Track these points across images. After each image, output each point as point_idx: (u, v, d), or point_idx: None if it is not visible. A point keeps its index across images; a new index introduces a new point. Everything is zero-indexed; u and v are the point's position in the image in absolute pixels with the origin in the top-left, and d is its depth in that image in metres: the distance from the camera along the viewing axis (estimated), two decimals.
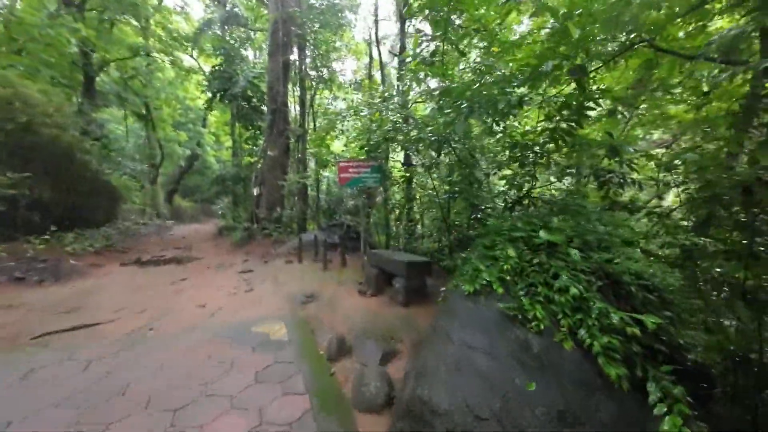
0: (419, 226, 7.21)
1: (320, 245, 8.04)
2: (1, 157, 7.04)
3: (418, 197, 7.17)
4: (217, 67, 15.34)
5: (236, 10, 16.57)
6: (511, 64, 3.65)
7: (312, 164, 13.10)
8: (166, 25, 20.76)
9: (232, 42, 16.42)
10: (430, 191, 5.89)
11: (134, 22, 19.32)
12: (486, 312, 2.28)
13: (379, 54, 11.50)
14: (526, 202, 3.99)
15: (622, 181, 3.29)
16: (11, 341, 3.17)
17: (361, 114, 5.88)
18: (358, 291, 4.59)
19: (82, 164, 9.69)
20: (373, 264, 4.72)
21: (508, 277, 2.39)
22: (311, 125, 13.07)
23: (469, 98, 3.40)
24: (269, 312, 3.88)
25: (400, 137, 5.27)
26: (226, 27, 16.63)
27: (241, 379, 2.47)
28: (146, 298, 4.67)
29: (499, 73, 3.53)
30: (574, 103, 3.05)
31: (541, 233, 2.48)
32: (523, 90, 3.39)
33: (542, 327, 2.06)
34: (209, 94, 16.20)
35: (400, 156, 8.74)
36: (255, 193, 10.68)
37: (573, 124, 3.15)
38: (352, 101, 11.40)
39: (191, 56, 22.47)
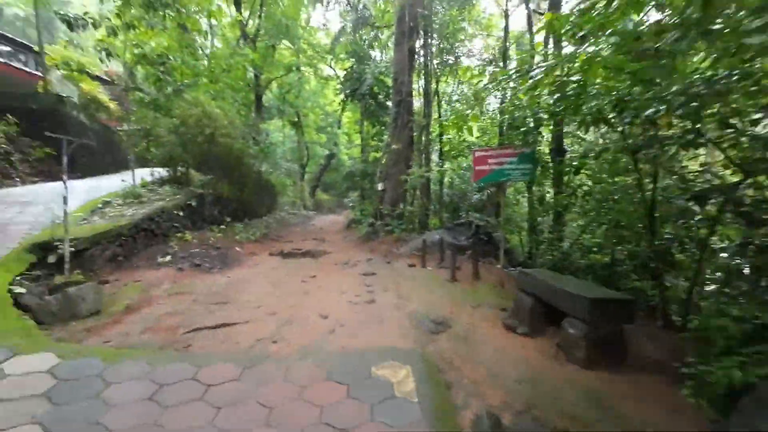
0: (581, 235, 5.29)
1: (446, 248, 7.06)
2: (194, 163, 8.88)
3: (579, 195, 5.26)
4: (348, 70, 16.15)
5: (366, 11, 17.00)
6: None
7: (435, 156, 12.18)
8: (311, 42, 23.35)
9: (361, 43, 16.97)
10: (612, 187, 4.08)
11: (289, 44, 22.53)
12: None
13: (528, 13, 9.52)
14: None
15: None
16: (171, 332, 3.38)
17: (510, 85, 4.47)
18: (504, 324, 3.40)
19: (249, 167, 11.51)
20: (526, 290, 3.42)
21: None
22: (436, 115, 12.14)
23: None
24: (392, 340, 3.14)
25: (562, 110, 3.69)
26: (357, 32, 17.31)
27: None
28: (280, 297, 4.72)
29: None
30: None
31: None
32: None
33: None
34: (342, 96, 17.34)
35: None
36: (379, 189, 10.56)
37: None
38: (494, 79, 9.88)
39: (329, 66, 24.71)
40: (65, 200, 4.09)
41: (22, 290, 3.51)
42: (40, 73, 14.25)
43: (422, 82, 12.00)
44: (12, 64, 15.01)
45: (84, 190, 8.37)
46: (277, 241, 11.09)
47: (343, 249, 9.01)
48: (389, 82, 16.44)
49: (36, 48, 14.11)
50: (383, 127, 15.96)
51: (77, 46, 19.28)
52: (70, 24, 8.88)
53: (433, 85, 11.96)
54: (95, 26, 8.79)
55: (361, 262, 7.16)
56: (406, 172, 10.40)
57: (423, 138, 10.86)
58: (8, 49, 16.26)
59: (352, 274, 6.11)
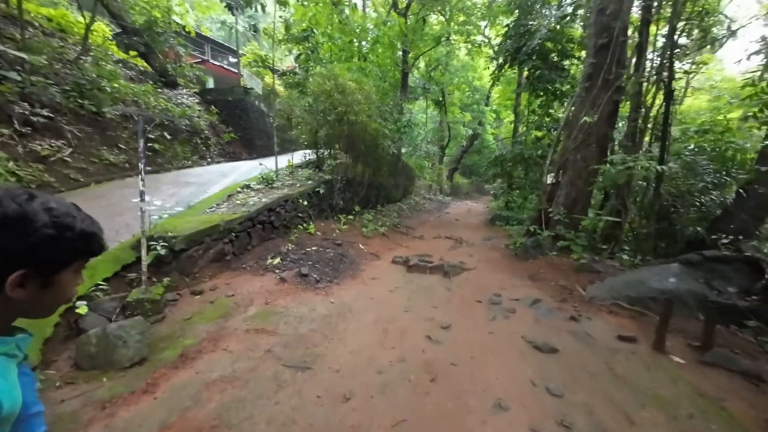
0: None
1: (692, 305, 3.54)
2: (328, 144, 7.97)
3: None
4: (509, 26, 12.35)
5: None
6: None
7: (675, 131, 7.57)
8: (463, 7, 20.03)
9: None
10: None
11: (439, 15, 20.00)
12: None
13: None
14: None
15: None
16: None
17: None
18: None
19: (385, 149, 10.09)
20: None
21: None
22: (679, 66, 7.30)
23: None
24: None
25: None
26: None
27: None
28: (392, 359, 2.76)
29: None
30: None
31: None
32: None
33: None
34: (500, 61, 13.74)
35: None
36: (548, 182, 7.18)
37: None
38: None
39: (483, 35, 20.79)
40: (142, 196, 3.25)
41: (86, 309, 2.75)
42: (238, 71, 16.98)
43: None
44: (223, 66, 18.53)
45: (243, 172, 8.83)
46: (407, 235, 9.41)
47: (489, 265, 6.38)
48: (573, 32, 11.75)
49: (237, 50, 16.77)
50: (554, 97, 11.67)
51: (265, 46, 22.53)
52: (254, 27, 9.28)
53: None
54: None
55: (522, 303, 4.43)
56: (599, 159, 6.60)
57: (640, 107, 6.55)
58: (220, 52, 20.22)
59: (509, 337, 3.52)
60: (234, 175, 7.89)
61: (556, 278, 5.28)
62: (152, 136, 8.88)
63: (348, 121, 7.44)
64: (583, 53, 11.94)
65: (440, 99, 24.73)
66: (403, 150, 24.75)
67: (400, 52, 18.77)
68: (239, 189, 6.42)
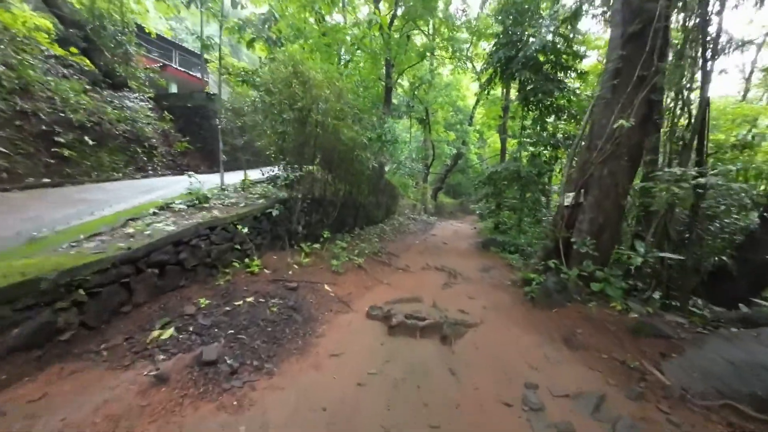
0: None
1: None
2: (283, 153, 6.15)
3: None
4: (499, 37, 11.31)
5: None
6: None
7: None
8: (448, 23, 19.32)
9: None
10: None
11: (423, 31, 19.21)
12: None
13: None
14: None
15: None
16: None
17: None
18: None
19: (363, 162, 8.35)
20: None
21: None
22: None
23: None
24: None
25: None
26: None
27: None
28: None
29: None
30: None
31: None
32: None
33: None
34: (487, 73, 12.64)
35: None
36: (566, 203, 5.61)
37: None
38: None
39: (467, 54, 20.08)
40: None
41: None
42: (202, 76, 15.13)
43: None
44: (189, 72, 16.64)
45: (180, 188, 6.82)
46: (389, 265, 7.55)
47: (500, 316, 4.57)
48: (580, 40, 10.75)
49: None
50: (548, 112, 10.49)
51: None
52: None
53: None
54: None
55: (578, 406, 2.62)
56: (631, 176, 5.12)
57: (684, 109, 5.15)
58: (186, 58, 18.38)
59: None
60: (161, 192, 5.87)
61: (605, 345, 3.52)
62: (62, 140, 6.78)
63: (315, 124, 5.69)
64: (585, 63, 10.98)
65: (424, 117, 23.75)
66: (387, 168, 23.22)
67: (384, 69, 17.69)
68: (154, 210, 4.43)
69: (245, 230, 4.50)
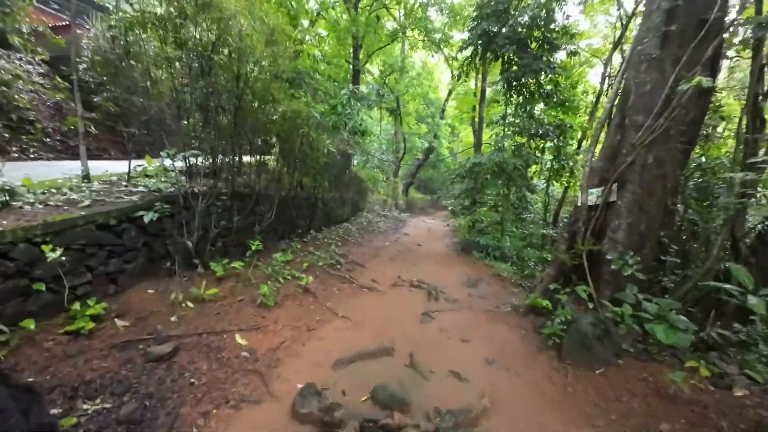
0: None
1: None
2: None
3: None
4: (482, 5, 9.58)
5: None
6: None
7: None
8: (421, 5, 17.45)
9: None
10: None
11: (393, 11, 17.23)
12: None
13: None
14: None
15: None
16: None
17: None
18: None
19: (318, 146, 6.26)
20: None
21: None
22: None
23: None
24: None
25: None
26: None
27: None
28: None
29: None
30: None
31: None
32: None
33: None
34: (465, 54, 10.99)
35: None
36: (588, 202, 3.99)
37: None
38: None
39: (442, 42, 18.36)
40: None
41: None
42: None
43: None
44: None
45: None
46: (349, 282, 5.58)
47: (513, 383, 2.83)
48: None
49: None
50: (532, 98, 9.04)
51: None
52: None
53: None
54: None
55: None
56: (683, 164, 3.63)
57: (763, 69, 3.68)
58: None
59: None
60: None
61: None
62: None
63: (229, 76, 3.56)
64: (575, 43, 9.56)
65: (395, 108, 21.90)
66: (355, 160, 21.09)
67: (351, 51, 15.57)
68: None
69: (57, 254, 2.29)
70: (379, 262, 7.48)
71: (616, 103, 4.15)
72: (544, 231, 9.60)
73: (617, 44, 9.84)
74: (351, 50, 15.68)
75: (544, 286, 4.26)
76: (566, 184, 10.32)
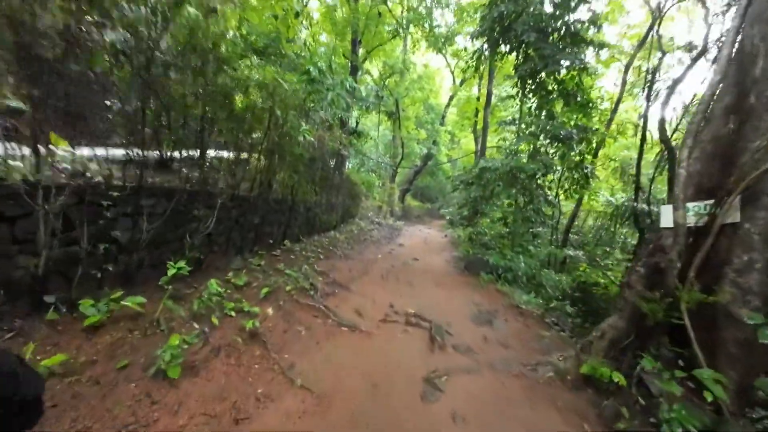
0: None
1: None
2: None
3: None
4: None
5: None
6: None
7: None
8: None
9: None
10: None
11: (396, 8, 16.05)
12: None
13: None
14: None
15: None
16: None
17: None
18: None
19: (292, 134, 4.79)
20: None
21: None
22: None
23: None
24: None
25: None
26: None
27: None
28: None
29: None
30: None
31: None
32: None
33: None
34: (475, 46, 9.71)
35: None
36: (682, 223, 2.62)
37: None
38: None
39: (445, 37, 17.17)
40: None
41: None
42: None
43: None
44: None
45: None
46: (324, 317, 4.07)
47: None
48: None
49: None
50: (550, 96, 7.73)
51: None
52: None
53: None
54: None
55: None
56: None
57: None
58: None
59: None
60: None
61: None
62: None
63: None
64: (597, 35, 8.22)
65: (394, 111, 20.58)
66: (349, 163, 19.59)
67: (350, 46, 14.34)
68: None
69: None
70: (367, 282, 5.96)
71: (719, 87, 2.75)
72: (556, 250, 8.24)
73: (644, 40, 8.62)
74: (351, 44, 14.44)
75: (606, 345, 2.80)
76: (578, 196, 8.94)
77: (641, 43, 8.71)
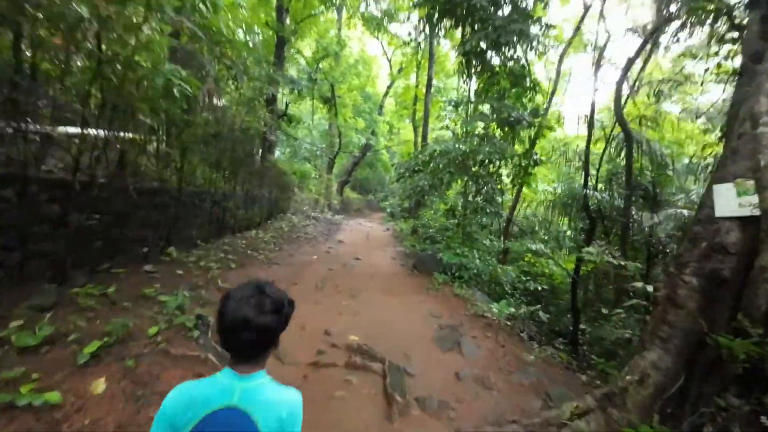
0: None
1: None
2: None
3: None
4: None
5: None
6: None
7: None
8: None
9: None
10: None
11: None
12: None
13: None
14: None
15: None
16: None
17: None
18: None
19: (173, 94, 2.87)
20: None
21: None
22: None
23: None
24: None
25: None
26: None
27: None
28: None
29: None
30: None
31: None
32: None
33: None
34: (420, 26, 8.59)
35: None
36: (726, 214, 1.82)
37: None
38: None
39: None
40: None
41: None
42: None
43: None
44: None
45: None
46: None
47: None
48: None
49: None
50: (496, 76, 7.12)
51: None
52: None
53: None
54: None
55: None
56: None
57: None
58: None
59: None
60: None
61: None
62: None
63: None
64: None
65: (329, 97, 18.61)
66: (277, 151, 17.12)
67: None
68: None
69: None
70: (296, 296, 4.35)
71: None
72: (497, 243, 7.83)
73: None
74: (276, 11, 12.14)
75: (650, 395, 1.85)
76: (519, 185, 8.55)
77: (577, 28, 8.72)
